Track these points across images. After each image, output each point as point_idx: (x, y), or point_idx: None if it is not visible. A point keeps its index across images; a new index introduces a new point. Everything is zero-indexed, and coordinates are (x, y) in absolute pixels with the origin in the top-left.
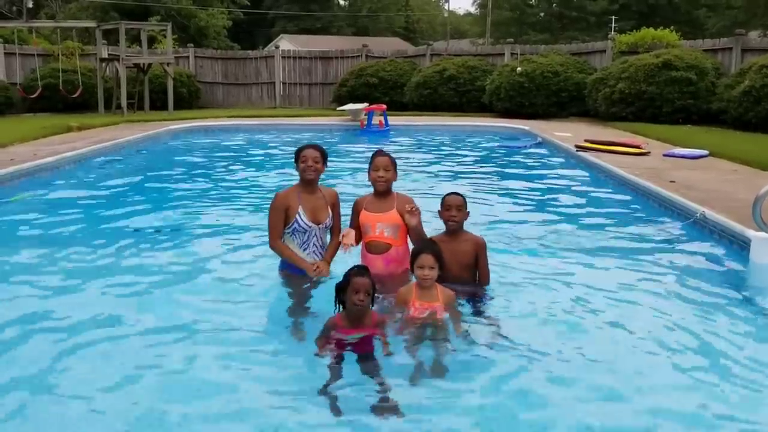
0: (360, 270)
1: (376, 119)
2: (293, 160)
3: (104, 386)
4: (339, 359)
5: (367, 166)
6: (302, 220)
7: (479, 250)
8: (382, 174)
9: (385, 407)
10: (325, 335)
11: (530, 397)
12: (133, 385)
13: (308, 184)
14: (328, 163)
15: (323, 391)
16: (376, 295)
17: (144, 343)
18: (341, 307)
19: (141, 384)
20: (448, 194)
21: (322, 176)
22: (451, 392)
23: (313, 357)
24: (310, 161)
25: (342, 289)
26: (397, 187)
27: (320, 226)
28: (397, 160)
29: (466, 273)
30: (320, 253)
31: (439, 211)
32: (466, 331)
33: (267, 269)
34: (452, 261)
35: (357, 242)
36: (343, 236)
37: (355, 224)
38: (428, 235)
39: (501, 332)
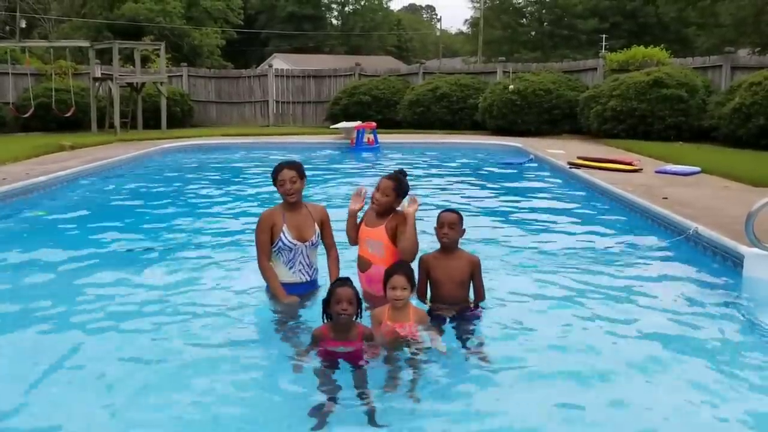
0: (342, 281)
1: (366, 137)
2: (271, 182)
3: (91, 404)
4: (330, 370)
5: (360, 181)
6: (286, 238)
7: (474, 268)
8: (379, 197)
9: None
10: (311, 346)
11: (521, 414)
12: (121, 403)
13: (291, 204)
14: (321, 175)
15: (316, 408)
16: (365, 308)
17: (132, 361)
18: (329, 320)
19: (128, 402)
20: (443, 211)
21: (313, 191)
22: (437, 409)
23: (302, 372)
24: (288, 184)
25: (327, 302)
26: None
27: (306, 243)
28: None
29: (459, 290)
30: (307, 271)
31: (435, 227)
32: (450, 349)
33: (257, 288)
34: (446, 278)
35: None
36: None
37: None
38: (423, 252)
39: (491, 349)
